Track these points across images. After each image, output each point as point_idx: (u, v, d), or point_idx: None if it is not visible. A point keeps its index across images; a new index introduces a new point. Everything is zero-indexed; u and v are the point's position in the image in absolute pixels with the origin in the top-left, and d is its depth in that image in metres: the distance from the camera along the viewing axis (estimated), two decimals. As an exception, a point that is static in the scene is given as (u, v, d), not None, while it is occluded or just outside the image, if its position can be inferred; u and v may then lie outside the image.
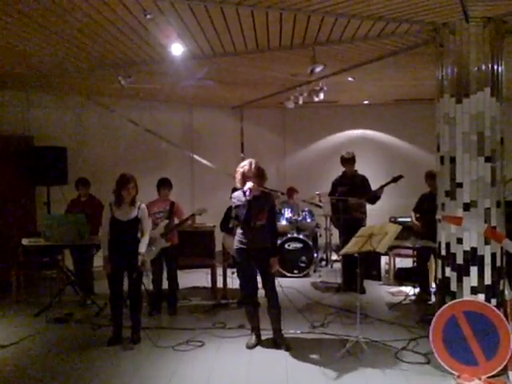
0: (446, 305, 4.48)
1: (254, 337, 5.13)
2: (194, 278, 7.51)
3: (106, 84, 7.42)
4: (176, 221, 6.35)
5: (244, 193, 4.89)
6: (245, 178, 4.89)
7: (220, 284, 6.97)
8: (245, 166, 4.91)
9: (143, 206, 5.37)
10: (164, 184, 6.36)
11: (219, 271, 6.98)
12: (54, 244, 6.21)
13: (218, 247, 7.09)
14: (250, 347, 5.03)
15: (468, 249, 4.59)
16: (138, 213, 5.28)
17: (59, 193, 7.64)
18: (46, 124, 8.23)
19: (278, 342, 5.05)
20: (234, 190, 6.67)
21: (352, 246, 4.92)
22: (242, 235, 5.00)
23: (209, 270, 6.97)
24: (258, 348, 5.03)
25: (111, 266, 5.18)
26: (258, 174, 4.90)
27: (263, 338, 5.18)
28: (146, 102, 9.16)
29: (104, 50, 5.67)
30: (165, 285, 6.35)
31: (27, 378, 4.46)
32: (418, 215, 6.79)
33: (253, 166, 4.88)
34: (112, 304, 5.33)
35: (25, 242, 6.43)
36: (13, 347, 5.17)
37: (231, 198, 5.11)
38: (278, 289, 5.14)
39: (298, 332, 5.43)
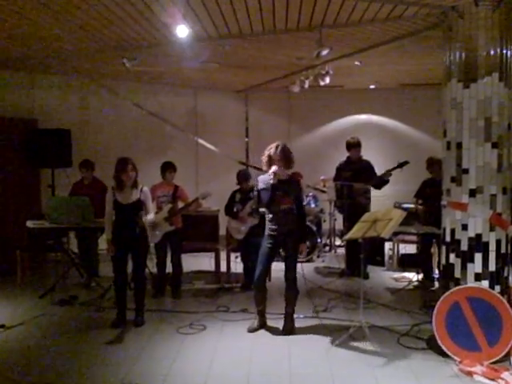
0: (450, 291, 4.47)
1: (257, 321, 5.14)
2: (197, 262, 7.53)
3: (111, 66, 7.38)
4: (180, 204, 6.35)
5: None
6: (271, 161, 4.87)
7: (224, 268, 6.99)
8: (271, 148, 4.89)
9: (145, 188, 5.36)
10: (168, 168, 6.34)
11: (223, 255, 6.99)
12: (59, 226, 6.22)
13: (222, 231, 7.10)
14: (252, 331, 5.05)
15: (473, 235, 4.57)
16: (141, 195, 5.27)
17: (63, 175, 7.64)
18: (50, 106, 8.21)
19: (286, 328, 5.03)
20: (239, 173, 6.69)
21: (356, 232, 4.90)
22: (270, 220, 4.98)
23: (213, 254, 6.98)
24: (262, 332, 5.05)
25: (115, 248, 5.20)
26: (284, 158, 4.87)
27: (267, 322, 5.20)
28: (150, 85, 9.11)
29: (109, 32, 5.62)
30: (169, 268, 6.37)
31: (32, 359, 4.50)
32: (420, 201, 6.78)
33: (279, 149, 4.85)
34: (116, 286, 5.35)
35: (29, 224, 6.45)
36: (18, 329, 5.21)
37: (257, 180, 5.07)
38: (299, 275, 5.13)
39: (302, 316, 5.43)
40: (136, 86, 8.95)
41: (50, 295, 6.18)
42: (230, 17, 5.10)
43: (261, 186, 4.97)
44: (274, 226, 4.94)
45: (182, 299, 6.20)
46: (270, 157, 4.88)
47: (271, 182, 4.81)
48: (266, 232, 5.02)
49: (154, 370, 4.23)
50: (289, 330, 5.01)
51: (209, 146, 9.81)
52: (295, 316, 5.27)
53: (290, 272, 5.01)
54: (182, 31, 5.34)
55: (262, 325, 5.14)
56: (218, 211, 7.00)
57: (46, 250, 7.40)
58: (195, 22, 5.21)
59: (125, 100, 8.85)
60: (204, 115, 10.06)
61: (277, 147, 4.87)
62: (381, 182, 6.95)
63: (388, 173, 6.82)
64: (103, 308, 5.79)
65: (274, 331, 5.05)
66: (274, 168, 4.82)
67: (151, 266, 6.55)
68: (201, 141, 9.85)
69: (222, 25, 5.38)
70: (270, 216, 4.97)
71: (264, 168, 4.97)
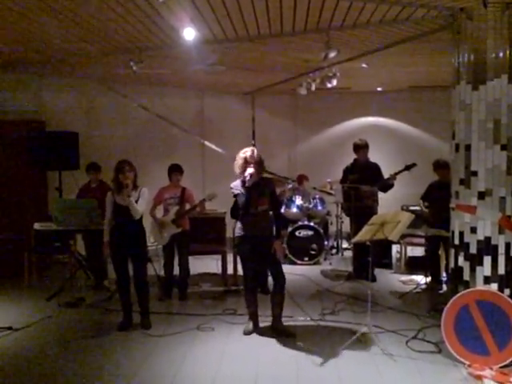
0: (459, 294, 4.44)
1: (251, 323, 5.15)
2: (204, 264, 7.52)
3: (118, 69, 7.38)
4: (187, 206, 6.35)
5: (243, 181, 4.94)
6: (247, 164, 4.94)
7: (230, 270, 6.98)
8: (246, 152, 4.97)
9: (144, 189, 5.32)
10: (175, 170, 6.36)
11: (230, 258, 6.98)
12: (66, 229, 6.23)
13: (229, 234, 7.08)
14: (248, 333, 5.05)
15: (482, 238, 4.54)
16: (138, 195, 5.25)
17: (71, 178, 7.66)
18: (58, 109, 8.22)
19: (277, 329, 5.05)
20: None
21: (364, 234, 4.89)
22: (244, 222, 5.03)
23: (219, 257, 6.97)
24: (269, 334, 5.03)
25: (114, 250, 5.24)
26: (258, 161, 4.97)
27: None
28: (157, 87, 9.12)
29: (116, 35, 5.63)
30: (176, 270, 6.37)
31: (39, 361, 4.50)
32: (426, 204, 6.74)
33: (255, 153, 4.97)
34: (119, 289, 5.36)
35: (37, 226, 6.47)
36: (25, 331, 5.22)
37: (230, 188, 5.12)
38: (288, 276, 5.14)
39: (308, 319, 5.43)
40: (143, 89, 8.96)
41: (56, 297, 6.19)
42: (237, 19, 5.09)
43: (235, 191, 5.03)
44: (248, 227, 5.00)
45: (188, 301, 6.20)
46: (245, 160, 4.94)
47: (247, 184, 4.90)
48: (240, 233, 5.07)
49: (162, 372, 4.23)
50: (280, 330, 5.02)
51: (215, 148, 9.81)
52: (301, 319, 5.26)
53: (275, 275, 5.06)
54: (189, 34, 5.33)
55: (256, 326, 5.14)
56: (224, 213, 6.99)
57: (53, 252, 7.42)
58: (203, 24, 5.21)
59: (132, 102, 8.88)
60: (211, 117, 10.06)
61: (252, 151, 4.98)
62: (385, 185, 6.93)
63: (392, 176, 6.80)
64: (110, 310, 5.80)
65: (280, 334, 5.02)
66: (250, 170, 4.90)
67: (158, 269, 6.55)
68: (207, 143, 9.86)
69: (229, 27, 5.38)
70: (247, 218, 5.00)
71: (237, 171, 5.02)
